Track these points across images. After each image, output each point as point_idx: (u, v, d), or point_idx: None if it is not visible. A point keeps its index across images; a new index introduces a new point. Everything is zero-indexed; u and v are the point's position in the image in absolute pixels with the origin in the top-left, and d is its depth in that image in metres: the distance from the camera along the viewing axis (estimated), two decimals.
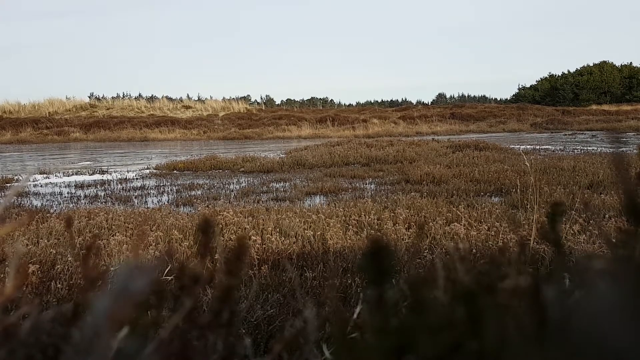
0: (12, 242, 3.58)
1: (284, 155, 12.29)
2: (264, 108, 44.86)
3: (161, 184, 8.62)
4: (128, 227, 4.58)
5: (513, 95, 56.67)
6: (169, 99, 41.43)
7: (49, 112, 34.88)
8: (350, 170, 9.52)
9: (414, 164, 9.95)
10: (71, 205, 6.71)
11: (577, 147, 13.48)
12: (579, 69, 52.36)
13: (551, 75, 54.08)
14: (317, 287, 3.03)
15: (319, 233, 4.22)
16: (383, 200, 5.93)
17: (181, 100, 41.56)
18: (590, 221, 3.85)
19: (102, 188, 8.37)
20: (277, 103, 61.76)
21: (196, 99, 44.03)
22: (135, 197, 7.42)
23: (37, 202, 7.11)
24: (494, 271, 0.48)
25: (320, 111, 38.93)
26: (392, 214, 4.93)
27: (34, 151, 18.18)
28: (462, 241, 3.57)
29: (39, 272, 3.06)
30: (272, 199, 6.87)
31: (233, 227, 4.47)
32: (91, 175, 10.22)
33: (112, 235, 4.19)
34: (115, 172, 10.76)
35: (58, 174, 10.33)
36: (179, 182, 8.70)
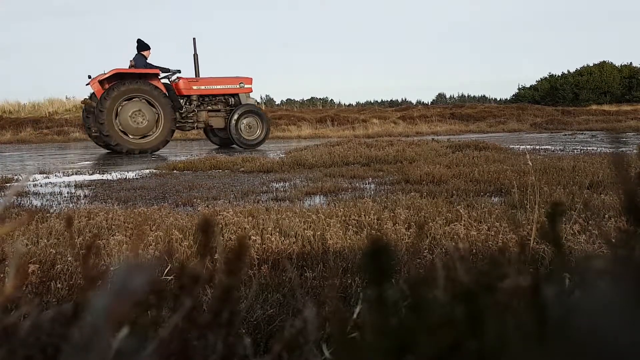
0: (12, 241, 3.58)
1: (283, 155, 12.28)
2: (263, 108, 44.80)
3: (161, 184, 8.62)
4: (128, 227, 4.57)
5: (513, 95, 56.62)
6: None
7: (49, 112, 34.82)
8: (350, 170, 9.51)
9: (414, 164, 9.94)
10: (71, 205, 6.72)
11: (577, 147, 13.47)
12: (578, 69, 52.40)
13: (551, 75, 54.12)
14: (317, 287, 3.03)
15: (318, 233, 4.22)
16: (383, 200, 5.92)
17: None
18: (590, 221, 3.85)
19: (102, 188, 8.37)
20: (277, 103, 61.67)
21: None
22: (135, 197, 7.42)
23: (36, 202, 7.12)
24: (493, 271, 0.48)
25: (320, 111, 38.88)
26: (392, 214, 4.93)
27: (33, 151, 18.18)
28: (462, 241, 3.57)
29: (38, 271, 3.06)
30: (272, 199, 6.86)
31: (233, 227, 4.46)
32: (91, 175, 10.22)
33: (112, 235, 4.19)
34: (115, 171, 10.76)
35: (58, 174, 10.33)
36: (178, 182, 8.70)
